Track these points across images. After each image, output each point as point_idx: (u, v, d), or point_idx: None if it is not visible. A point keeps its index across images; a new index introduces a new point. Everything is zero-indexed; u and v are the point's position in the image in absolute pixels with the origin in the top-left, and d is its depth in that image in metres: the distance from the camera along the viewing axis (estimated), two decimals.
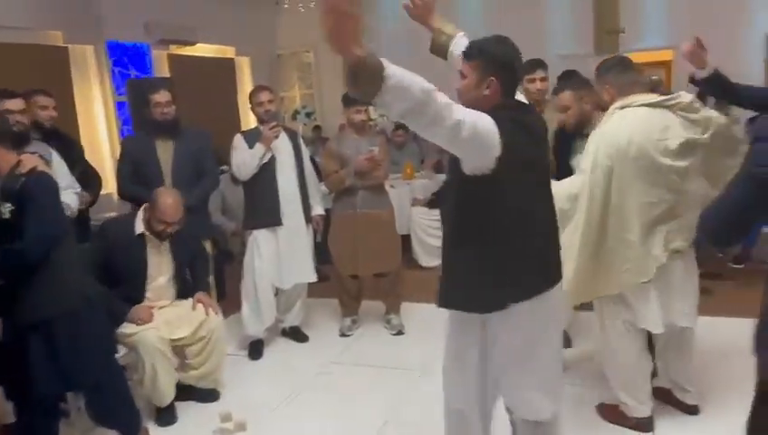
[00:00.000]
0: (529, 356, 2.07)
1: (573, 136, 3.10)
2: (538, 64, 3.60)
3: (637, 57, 10.34)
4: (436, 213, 5.81)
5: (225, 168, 4.79)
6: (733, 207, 1.54)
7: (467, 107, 1.80)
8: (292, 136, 4.03)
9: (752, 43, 8.63)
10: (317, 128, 9.71)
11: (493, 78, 1.93)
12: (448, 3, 10.05)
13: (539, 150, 2.03)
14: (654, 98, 2.56)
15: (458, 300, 2.09)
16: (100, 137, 6.70)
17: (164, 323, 3.15)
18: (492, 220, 1.95)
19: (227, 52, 9.04)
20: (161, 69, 7.63)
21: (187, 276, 3.42)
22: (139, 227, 3.16)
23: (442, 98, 1.67)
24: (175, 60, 7.87)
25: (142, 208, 3.22)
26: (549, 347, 2.10)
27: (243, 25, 9.07)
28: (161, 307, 3.24)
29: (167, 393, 3.13)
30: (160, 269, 3.27)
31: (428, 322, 4.27)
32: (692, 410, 2.87)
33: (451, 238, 2.09)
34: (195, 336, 3.22)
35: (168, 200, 3.10)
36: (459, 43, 2.30)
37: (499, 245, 1.97)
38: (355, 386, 3.48)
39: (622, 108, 2.56)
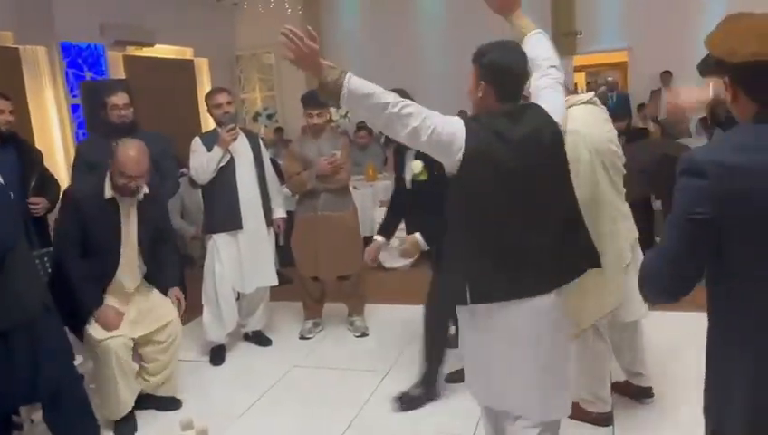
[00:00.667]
0: (483, 364, 2.08)
1: None
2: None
3: (593, 59, 10.67)
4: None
5: (184, 171, 4.72)
6: (676, 259, 1.34)
7: (474, 109, 2.01)
8: (252, 138, 3.99)
9: (704, 45, 8.89)
10: (279, 130, 9.65)
11: (483, 83, 1.97)
12: (409, 4, 10.12)
13: (519, 160, 1.91)
14: (585, 97, 2.70)
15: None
16: (55, 140, 6.53)
17: (129, 323, 3.06)
18: (456, 219, 2.01)
19: (186, 53, 8.92)
20: (117, 71, 7.47)
21: (155, 257, 3.25)
22: (108, 192, 3.00)
23: (402, 108, 1.87)
24: (131, 61, 7.73)
25: (108, 172, 3.05)
26: (505, 362, 2.02)
27: (201, 26, 8.96)
28: (128, 301, 3.13)
29: (126, 404, 3.06)
30: (129, 236, 3.09)
31: (392, 323, 4.28)
32: (647, 393, 2.97)
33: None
34: (154, 336, 3.13)
35: (130, 152, 2.92)
36: (528, 42, 2.20)
37: (461, 244, 2.01)
38: (319, 389, 3.46)
39: (568, 107, 2.61)
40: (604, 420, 2.81)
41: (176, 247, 3.59)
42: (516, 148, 1.92)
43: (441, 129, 1.88)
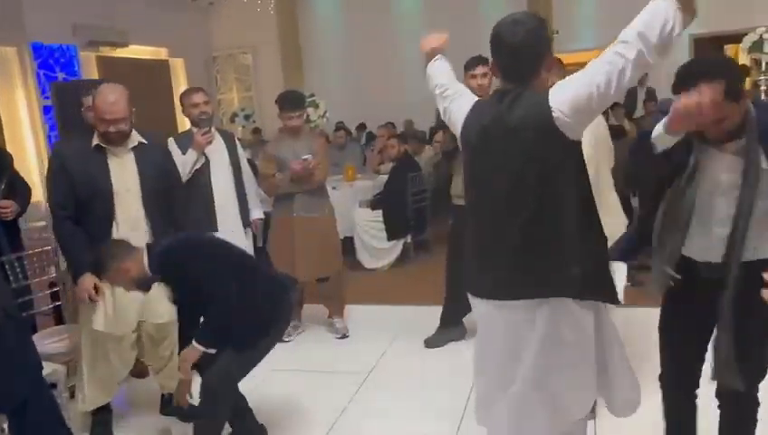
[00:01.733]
0: (479, 357, 2.06)
1: None
2: (479, 61, 3.65)
3: (570, 58, 10.75)
4: (378, 214, 5.81)
5: None
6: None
7: None
8: (228, 139, 3.93)
9: (678, 46, 9.01)
10: (257, 130, 9.56)
11: (491, 57, 1.94)
12: (387, 5, 10.11)
13: (487, 152, 1.83)
14: None
15: None
16: (26, 143, 6.41)
17: (143, 302, 2.84)
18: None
19: (161, 53, 8.81)
20: (90, 71, 7.36)
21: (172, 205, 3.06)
22: (95, 139, 2.87)
23: (443, 90, 2.11)
24: (105, 62, 7.61)
25: None
26: (484, 363, 2.01)
27: (176, 26, 8.86)
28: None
29: (100, 396, 2.94)
30: (125, 182, 2.88)
31: (373, 324, 4.26)
32: None
33: None
34: (159, 333, 2.92)
35: (105, 97, 2.79)
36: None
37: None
38: (300, 392, 3.42)
39: None
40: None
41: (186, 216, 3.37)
42: (485, 136, 1.83)
43: (455, 109, 2.02)
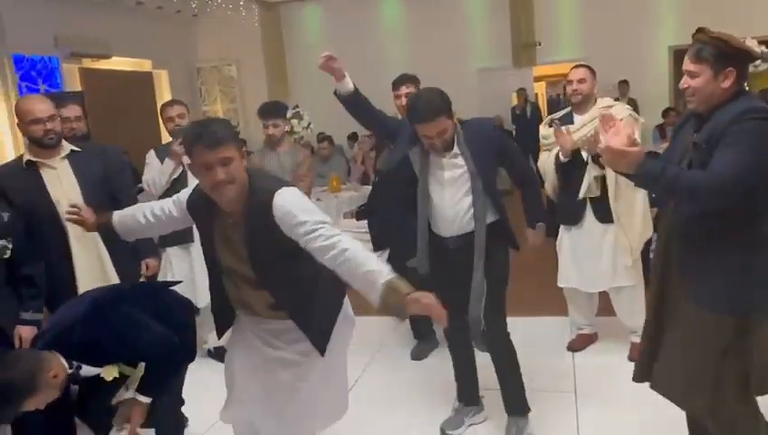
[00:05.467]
0: None
1: None
2: (404, 80, 3.64)
3: (552, 69, 10.85)
4: (363, 225, 5.79)
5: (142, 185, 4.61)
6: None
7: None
8: None
9: (657, 55, 9.15)
10: (241, 142, 9.53)
11: None
12: (371, 17, 10.16)
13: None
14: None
15: None
16: (7, 155, 6.33)
17: None
18: None
19: (144, 65, 8.78)
20: (73, 83, 7.31)
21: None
22: (26, 155, 2.79)
23: None
24: (88, 74, 7.56)
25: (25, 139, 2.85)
26: None
27: (160, 38, 8.84)
28: None
29: None
30: (65, 192, 2.77)
31: (356, 336, 4.20)
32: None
33: None
34: None
35: (30, 100, 2.77)
36: None
37: None
38: None
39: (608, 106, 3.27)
40: None
41: (132, 189, 3.31)
42: None
43: None
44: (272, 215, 1.90)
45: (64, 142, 2.88)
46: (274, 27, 10.43)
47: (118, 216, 2.26)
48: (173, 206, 2.18)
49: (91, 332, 2.04)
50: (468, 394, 2.95)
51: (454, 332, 2.81)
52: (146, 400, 2.16)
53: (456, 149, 2.58)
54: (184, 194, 2.19)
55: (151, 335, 2.12)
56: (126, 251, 2.97)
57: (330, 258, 1.83)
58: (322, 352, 2.09)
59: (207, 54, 10.43)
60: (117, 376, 2.11)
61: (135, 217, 2.24)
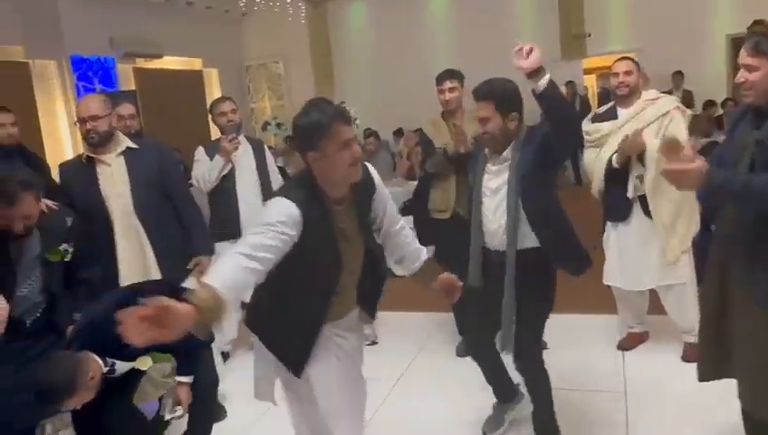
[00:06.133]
0: None
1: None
2: (448, 75, 3.58)
3: (603, 61, 10.60)
4: (408, 220, 5.77)
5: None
6: None
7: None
8: (257, 146, 3.97)
9: (714, 44, 8.82)
10: (289, 138, 9.63)
11: None
12: (417, 13, 10.12)
13: None
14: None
15: None
16: (66, 154, 6.57)
17: None
18: None
19: (195, 64, 8.97)
20: (127, 83, 7.52)
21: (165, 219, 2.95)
22: (85, 152, 2.92)
23: None
24: (141, 73, 7.78)
25: None
26: None
27: (209, 37, 9.02)
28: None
29: None
30: (115, 187, 2.85)
31: (402, 331, 4.24)
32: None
33: None
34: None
35: (82, 100, 2.87)
36: None
37: None
38: None
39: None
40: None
41: (197, 211, 3.23)
42: None
43: None
44: (374, 186, 2.02)
45: (122, 138, 2.95)
46: (321, 24, 10.50)
47: (221, 286, 1.59)
48: (281, 229, 1.76)
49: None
50: (504, 392, 2.85)
51: (479, 347, 2.74)
52: (188, 379, 2.38)
53: (506, 154, 2.47)
54: (283, 211, 1.80)
55: None
56: (174, 247, 3.01)
57: (399, 228, 2.15)
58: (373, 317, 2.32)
59: (255, 52, 10.58)
60: (152, 365, 2.26)
61: (242, 278, 1.70)
